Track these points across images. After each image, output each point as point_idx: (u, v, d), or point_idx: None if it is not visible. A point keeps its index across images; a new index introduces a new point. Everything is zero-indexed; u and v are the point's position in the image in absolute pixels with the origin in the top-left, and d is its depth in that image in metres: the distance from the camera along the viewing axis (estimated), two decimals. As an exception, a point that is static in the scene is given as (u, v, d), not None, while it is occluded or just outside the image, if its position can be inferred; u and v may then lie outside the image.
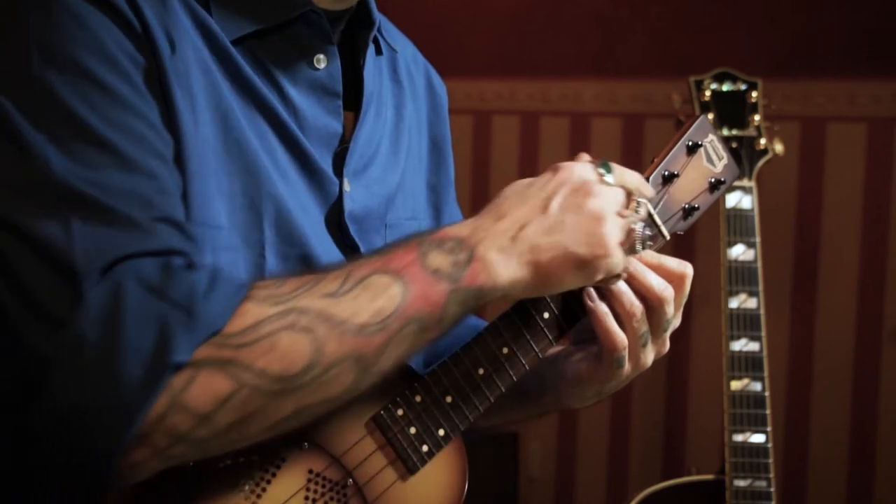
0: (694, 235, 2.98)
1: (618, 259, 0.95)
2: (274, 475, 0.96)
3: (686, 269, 1.04)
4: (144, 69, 0.92)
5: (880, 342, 3.05)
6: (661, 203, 1.08)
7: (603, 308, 1.02)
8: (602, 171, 0.99)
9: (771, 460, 2.02)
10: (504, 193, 0.98)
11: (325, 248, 1.04)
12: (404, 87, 1.21)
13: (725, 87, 2.16)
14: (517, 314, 1.02)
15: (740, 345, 2.06)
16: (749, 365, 2.05)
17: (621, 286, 1.01)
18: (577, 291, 1.03)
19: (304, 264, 1.01)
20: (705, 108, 2.14)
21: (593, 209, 0.94)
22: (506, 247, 0.93)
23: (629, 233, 0.96)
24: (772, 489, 2.01)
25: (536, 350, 1.02)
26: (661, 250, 1.06)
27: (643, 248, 0.98)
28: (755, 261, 2.08)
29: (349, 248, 1.07)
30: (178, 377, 0.82)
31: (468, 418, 1.00)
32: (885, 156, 3.04)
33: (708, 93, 2.15)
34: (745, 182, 2.10)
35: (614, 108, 3.42)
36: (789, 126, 2.82)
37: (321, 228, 1.05)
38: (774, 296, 2.74)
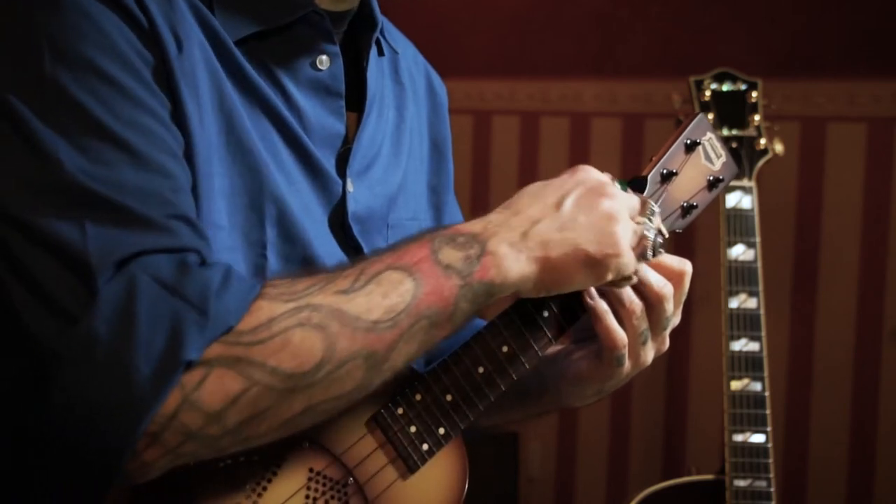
0: (694, 235, 2.99)
1: (628, 260, 0.95)
2: (275, 474, 0.96)
3: (685, 266, 1.04)
4: (154, 67, 0.92)
5: (880, 342, 3.05)
6: (661, 201, 1.08)
7: (603, 306, 1.02)
8: (618, 184, 1.00)
9: (771, 460, 2.02)
10: (520, 192, 0.99)
11: (327, 248, 1.04)
12: (406, 88, 1.22)
13: (725, 87, 2.16)
14: (517, 313, 1.02)
15: (740, 345, 2.06)
16: (749, 365, 2.05)
17: (621, 283, 1.01)
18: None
19: (305, 265, 1.01)
20: (705, 108, 2.14)
21: (607, 209, 0.95)
22: (517, 242, 0.93)
23: (641, 238, 0.97)
24: (772, 489, 2.01)
25: (536, 348, 1.01)
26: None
27: (654, 256, 0.98)
28: (755, 261, 2.08)
29: (352, 249, 1.07)
30: (190, 375, 0.82)
31: (468, 417, 1.00)
32: (885, 156, 3.04)
33: (708, 93, 2.15)
34: (745, 182, 2.10)
35: (614, 108, 3.42)
36: (789, 126, 2.82)
37: (324, 229, 1.05)
38: (774, 296, 2.74)
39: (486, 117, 3.60)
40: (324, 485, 0.98)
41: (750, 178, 2.11)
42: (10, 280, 0.85)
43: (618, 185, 0.99)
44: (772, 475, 2.01)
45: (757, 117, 2.14)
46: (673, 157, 1.09)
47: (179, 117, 0.93)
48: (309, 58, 1.05)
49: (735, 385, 2.04)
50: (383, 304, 0.88)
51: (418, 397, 0.99)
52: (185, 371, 0.82)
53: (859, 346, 3.08)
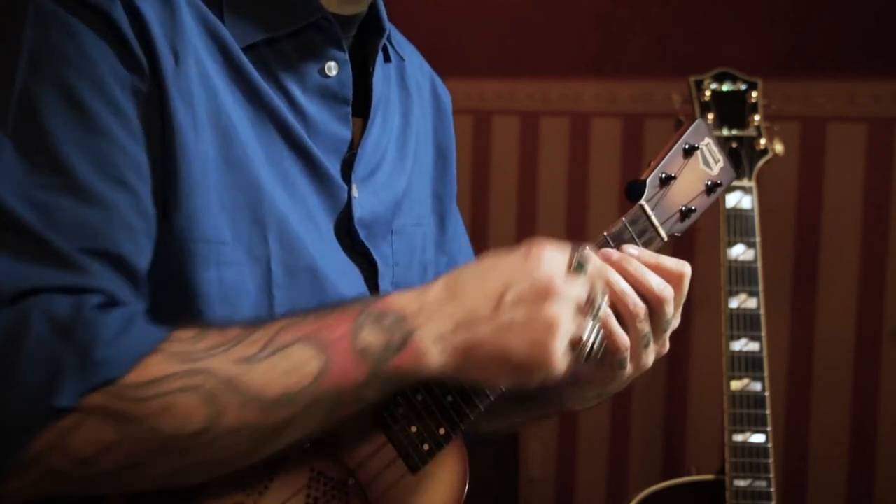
0: (694, 235, 2.99)
1: (558, 369, 0.91)
2: (276, 473, 0.96)
3: (684, 268, 1.04)
4: (138, 93, 0.91)
5: (880, 342, 3.05)
6: (659, 204, 1.08)
7: (606, 309, 1.03)
8: (577, 268, 0.94)
9: (771, 460, 2.02)
10: (466, 270, 0.94)
11: (332, 256, 1.04)
12: (412, 94, 1.22)
13: (725, 87, 2.16)
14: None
15: (740, 345, 2.06)
16: (749, 365, 2.05)
17: (624, 287, 1.01)
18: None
19: (311, 276, 1.00)
20: (705, 108, 2.14)
21: (548, 317, 0.90)
22: (446, 334, 0.90)
23: (578, 342, 0.93)
24: (772, 489, 2.01)
25: (536, 350, 1.01)
26: (660, 250, 1.06)
27: (589, 360, 0.94)
28: (755, 261, 2.08)
29: (359, 255, 1.07)
30: (67, 419, 0.81)
31: (469, 417, 1.00)
32: (885, 156, 3.04)
33: (708, 93, 2.15)
34: (745, 182, 2.10)
35: (614, 108, 3.42)
36: (789, 126, 2.82)
37: (329, 237, 1.05)
38: (774, 296, 2.74)
39: (486, 117, 3.60)
40: (325, 485, 0.98)
41: (750, 178, 2.11)
42: None
43: (577, 267, 0.93)
44: (772, 475, 2.01)
45: (757, 117, 2.14)
46: (671, 161, 1.10)
47: (174, 136, 0.92)
48: (318, 64, 1.05)
49: (735, 385, 2.04)
50: (283, 382, 0.86)
51: (419, 397, 0.99)
52: (57, 416, 0.81)
53: (859, 346, 3.08)
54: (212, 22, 0.98)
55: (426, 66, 1.30)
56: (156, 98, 0.92)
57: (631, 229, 1.07)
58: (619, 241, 1.06)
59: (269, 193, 0.98)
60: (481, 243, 3.46)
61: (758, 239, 2.09)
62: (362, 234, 1.07)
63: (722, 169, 1.13)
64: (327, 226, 1.05)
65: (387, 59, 1.17)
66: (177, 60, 0.93)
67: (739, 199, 2.10)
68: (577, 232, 3.38)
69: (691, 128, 1.12)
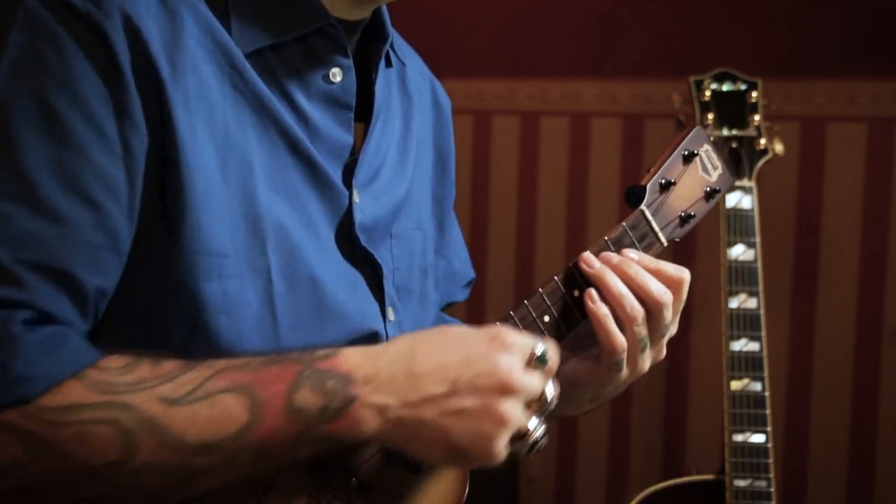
0: (694, 236, 2.97)
1: (497, 461, 0.91)
2: (278, 474, 0.96)
3: (684, 274, 1.05)
4: (123, 110, 0.90)
5: (880, 342, 3.04)
6: (659, 210, 1.09)
7: (604, 310, 1.03)
8: (538, 362, 0.92)
9: (771, 460, 2.02)
10: (429, 340, 0.93)
11: (332, 264, 1.04)
12: (413, 99, 1.22)
13: (725, 87, 2.16)
14: (517, 316, 1.02)
15: (740, 345, 2.06)
16: (749, 365, 2.05)
17: (622, 290, 1.01)
18: (578, 294, 1.04)
19: (312, 285, 1.00)
20: (705, 108, 2.14)
21: (499, 415, 0.89)
22: (390, 407, 0.89)
23: (524, 435, 0.92)
24: (772, 489, 2.01)
25: (536, 353, 1.01)
26: (660, 254, 1.06)
27: (531, 453, 0.94)
28: (755, 261, 2.08)
29: (361, 260, 1.07)
30: None
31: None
32: (885, 156, 3.04)
33: (708, 93, 2.15)
34: (745, 182, 2.10)
35: (614, 108, 3.41)
36: (789, 126, 2.82)
37: (330, 244, 1.04)
38: (774, 296, 2.74)
39: (486, 117, 3.59)
40: (327, 485, 0.98)
41: (750, 178, 2.11)
42: None
43: (538, 362, 0.92)
44: (772, 475, 2.02)
45: (757, 117, 2.14)
46: (671, 167, 1.10)
47: (175, 148, 0.92)
48: (322, 70, 1.05)
49: (735, 385, 2.04)
50: (204, 430, 0.85)
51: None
52: None
53: (859, 346, 3.07)
54: (216, 29, 0.98)
55: (427, 71, 1.30)
56: (154, 112, 0.91)
57: (631, 234, 1.08)
58: (619, 246, 1.06)
59: (267, 204, 0.98)
60: (481, 243, 3.47)
61: (758, 239, 2.09)
62: (363, 240, 1.07)
63: (720, 176, 1.14)
64: (328, 233, 1.04)
65: (388, 64, 1.17)
66: (175, 71, 0.93)
67: (739, 199, 2.10)
68: (576, 231, 3.38)
69: (690, 134, 1.12)
